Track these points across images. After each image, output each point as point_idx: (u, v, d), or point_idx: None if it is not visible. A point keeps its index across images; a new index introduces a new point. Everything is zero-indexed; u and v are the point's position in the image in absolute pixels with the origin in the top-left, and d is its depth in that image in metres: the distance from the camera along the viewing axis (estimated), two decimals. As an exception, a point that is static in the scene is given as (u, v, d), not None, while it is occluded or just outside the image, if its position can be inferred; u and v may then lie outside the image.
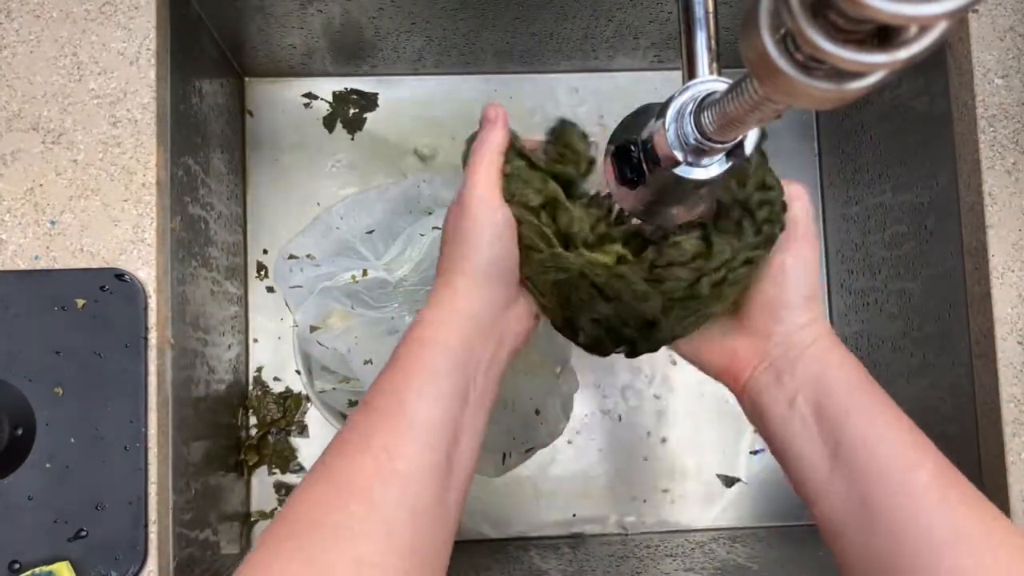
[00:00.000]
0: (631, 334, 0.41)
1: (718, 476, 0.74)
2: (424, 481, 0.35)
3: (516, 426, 0.66)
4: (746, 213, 0.39)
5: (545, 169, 0.41)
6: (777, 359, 0.40)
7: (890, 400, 0.38)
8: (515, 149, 0.42)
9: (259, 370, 0.72)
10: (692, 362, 0.45)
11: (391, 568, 0.32)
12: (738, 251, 0.38)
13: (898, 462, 0.36)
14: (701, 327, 0.42)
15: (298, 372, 0.69)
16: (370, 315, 0.63)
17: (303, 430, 0.72)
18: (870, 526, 0.35)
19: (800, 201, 0.41)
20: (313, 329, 0.62)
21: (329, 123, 0.75)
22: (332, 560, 0.31)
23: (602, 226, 0.40)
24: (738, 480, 0.74)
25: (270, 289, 0.72)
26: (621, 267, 0.38)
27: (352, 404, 0.66)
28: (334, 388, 0.66)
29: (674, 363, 0.75)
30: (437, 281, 0.41)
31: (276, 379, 0.72)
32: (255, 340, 0.72)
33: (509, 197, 0.40)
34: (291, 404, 0.71)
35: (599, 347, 0.42)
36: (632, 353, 0.42)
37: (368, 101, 0.75)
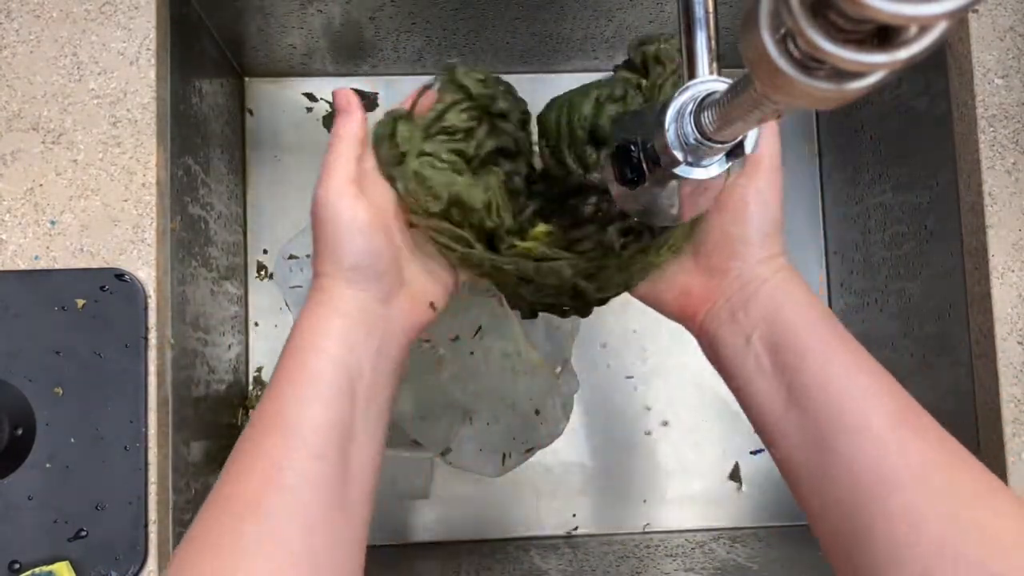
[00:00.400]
0: (566, 303, 0.41)
1: (722, 476, 0.74)
2: (315, 489, 0.33)
3: (516, 426, 0.66)
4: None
5: (446, 161, 0.39)
6: (733, 296, 0.39)
7: (849, 338, 0.37)
8: (406, 133, 0.40)
9: (259, 370, 0.72)
10: (650, 304, 0.44)
11: None
12: None
13: (853, 404, 0.34)
14: (653, 272, 0.41)
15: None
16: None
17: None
18: (826, 468, 0.34)
19: (766, 132, 0.39)
20: None
21: (329, 123, 0.75)
22: None
23: (522, 200, 0.40)
24: (738, 480, 0.74)
25: (266, 270, 0.72)
26: (544, 251, 0.38)
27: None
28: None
29: (675, 372, 0.75)
30: (312, 284, 0.40)
31: (276, 379, 0.72)
32: (255, 340, 0.72)
33: (411, 209, 0.39)
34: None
35: (536, 315, 0.43)
36: (570, 314, 0.43)
37: (368, 101, 0.75)
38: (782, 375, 0.36)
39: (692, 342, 0.71)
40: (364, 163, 0.40)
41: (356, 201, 0.38)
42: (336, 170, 0.39)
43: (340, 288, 0.38)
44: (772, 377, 0.37)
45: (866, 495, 0.33)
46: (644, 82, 0.38)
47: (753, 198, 0.39)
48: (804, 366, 0.36)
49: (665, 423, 0.74)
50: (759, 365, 0.37)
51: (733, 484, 0.74)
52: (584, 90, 0.41)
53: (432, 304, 0.41)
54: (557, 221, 0.40)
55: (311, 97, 0.75)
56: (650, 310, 0.44)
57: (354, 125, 0.40)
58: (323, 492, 0.34)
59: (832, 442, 0.34)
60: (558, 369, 0.68)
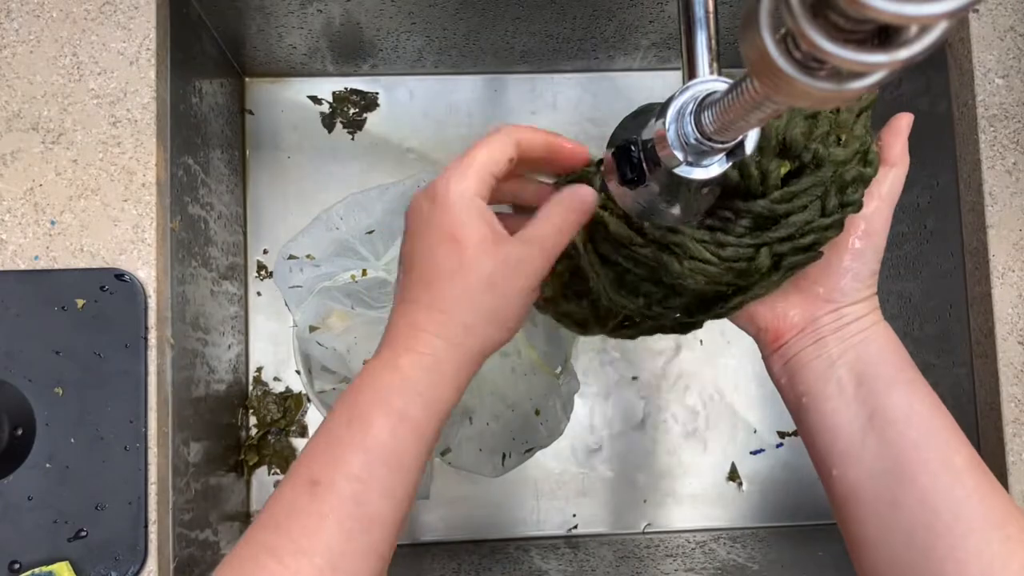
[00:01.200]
0: (674, 319, 0.40)
1: (722, 476, 0.74)
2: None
3: (516, 426, 0.66)
4: (834, 184, 0.36)
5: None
6: (825, 325, 0.39)
7: (929, 387, 0.38)
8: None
9: (259, 370, 0.72)
10: (736, 321, 0.42)
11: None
12: (805, 228, 0.36)
13: (937, 440, 0.35)
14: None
15: (298, 372, 0.69)
16: (370, 315, 0.63)
17: (304, 430, 0.72)
18: (899, 498, 0.34)
19: (897, 169, 0.38)
20: (312, 329, 0.62)
21: (329, 123, 0.75)
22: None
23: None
24: (738, 480, 0.74)
25: (265, 272, 0.72)
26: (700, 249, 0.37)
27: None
28: (334, 388, 0.66)
29: (678, 373, 0.75)
30: (397, 312, 0.35)
31: (276, 379, 0.72)
32: (255, 340, 0.72)
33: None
34: (291, 404, 0.71)
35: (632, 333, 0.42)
36: (669, 331, 0.42)
37: (368, 101, 0.75)
38: (865, 402, 0.37)
39: (693, 343, 0.71)
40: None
41: (491, 233, 0.34)
42: (472, 171, 0.34)
43: (442, 343, 0.34)
44: (853, 402, 0.37)
45: (939, 532, 0.33)
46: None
47: (873, 234, 0.39)
48: (890, 398, 0.36)
49: (666, 423, 0.74)
50: (840, 389, 0.37)
51: (733, 484, 0.74)
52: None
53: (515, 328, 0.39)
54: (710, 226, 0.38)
55: (315, 99, 0.75)
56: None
57: (509, 143, 0.36)
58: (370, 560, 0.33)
59: (911, 474, 0.34)
60: (558, 369, 0.68)
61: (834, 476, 0.37)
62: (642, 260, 0.38)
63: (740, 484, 0.74)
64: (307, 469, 0.33)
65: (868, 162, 0.37)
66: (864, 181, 0.37)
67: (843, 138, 0.37)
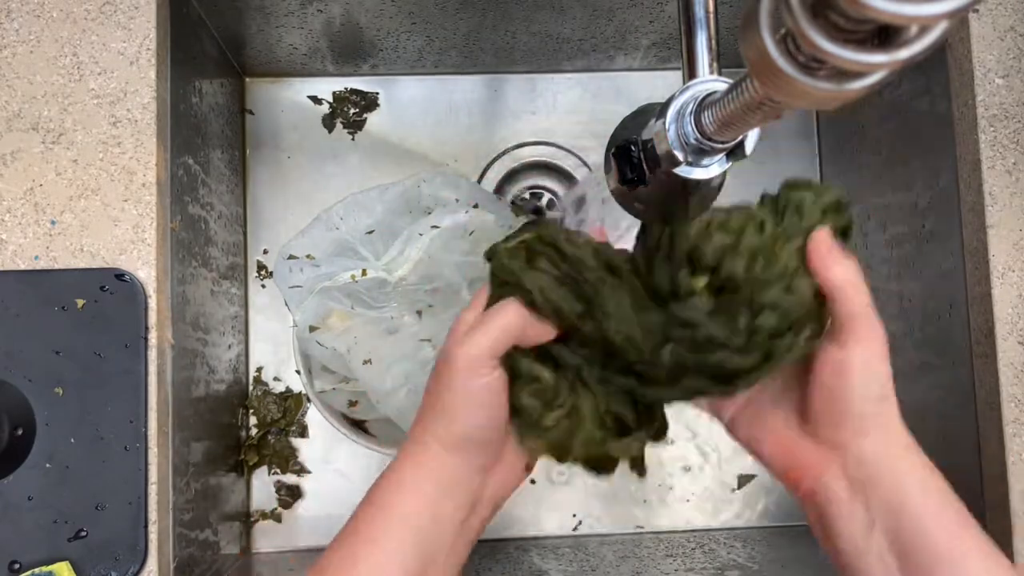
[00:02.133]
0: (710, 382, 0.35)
1: (722, 476, 0.74)
2: None
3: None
4: (746, 307, 0.32)
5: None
6: (850, 471, 0.35)
7: (974, 527, 0.34)
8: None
9: (259, 370, 0.72)
10: (752, 453, 0.40)
11: None
12: (707, 343, 0.33)
13: None
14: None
15: (298, 372, 0.69)
16: (369, 315, 0.63)
17: (304, 430, 0.72)
18: None
19: (851, 289, 0.34)
20: (312, 329, 0.62)
21: (329, 123, 0.75)
22: None
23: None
24: (739, 480, 0.74)
25: (266, 270, 0.72)
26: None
27: (352, 404, 0.65)
28: (334, 388, 0.66)
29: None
30: (410, 437, 0.38)
31: (276, 379, 0.72)
32: (255, 340, 0.72)
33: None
34: (291, 404, 0.71)
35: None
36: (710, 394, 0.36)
37: (368, 101, 0.75)
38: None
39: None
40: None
41: (493, 376, 0.35)
42: (487, 335, 0.35)
43: (441, 455, 0.36)
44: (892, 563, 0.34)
45: None
46: (770, 225, 0.34)
47: (857, 364, 0.34)
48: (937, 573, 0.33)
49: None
50: (883, 566, 0.34)
51: (733, 484, 0.74)
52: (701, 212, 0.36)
53: (527, 467, 0.39)
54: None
55: (315, 100, 0.75)
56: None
57: (515, 315, 0.35)
58: None
59: None
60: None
61: None
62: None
63: (740, 484, 0.74)
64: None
65: (790, 290, 0.33)
66: (784, 311, 0.33)
67: (766, 261, 0.33)
